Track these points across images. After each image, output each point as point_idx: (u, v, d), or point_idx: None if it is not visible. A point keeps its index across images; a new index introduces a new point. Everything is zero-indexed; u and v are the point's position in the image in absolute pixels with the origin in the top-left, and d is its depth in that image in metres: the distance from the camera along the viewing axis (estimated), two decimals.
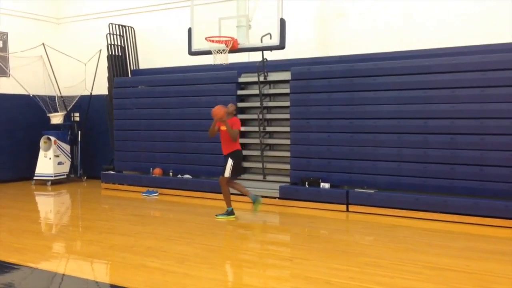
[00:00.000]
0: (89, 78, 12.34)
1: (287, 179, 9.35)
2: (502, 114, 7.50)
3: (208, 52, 8.40)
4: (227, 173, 7.84)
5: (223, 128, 7.76)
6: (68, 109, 12.58)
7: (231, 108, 7.96)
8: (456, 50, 8.22)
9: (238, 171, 8.08)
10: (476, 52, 7.95)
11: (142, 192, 10.46)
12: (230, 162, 7.81)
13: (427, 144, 8.03)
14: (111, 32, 11.59)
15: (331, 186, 8.81)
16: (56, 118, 12.30)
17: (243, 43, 8.32)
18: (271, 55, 9.13)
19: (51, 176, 11.79)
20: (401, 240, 6.60)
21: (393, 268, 5.27)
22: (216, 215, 7.93)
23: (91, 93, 12.41)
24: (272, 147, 9.89)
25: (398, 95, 8.30)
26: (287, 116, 9.35)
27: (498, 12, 8.16)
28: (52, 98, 12.52)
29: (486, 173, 7.58)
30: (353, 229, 7.65)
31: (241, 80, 10.00)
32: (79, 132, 12.69)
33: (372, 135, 8.50)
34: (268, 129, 9.73)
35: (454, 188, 7.83)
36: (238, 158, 7.98)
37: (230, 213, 7.98)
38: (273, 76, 9.64)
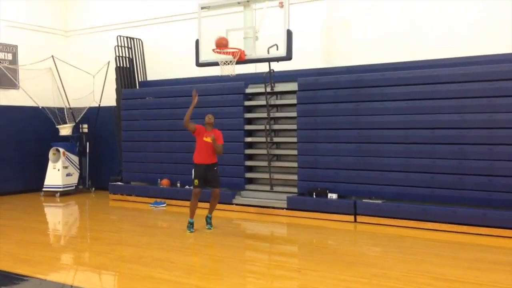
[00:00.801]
0: (98, 90, 12.45)
1: (295, 189, 9.34)
2: (510, 124, 7.46)
3: (215, 64, 8.44)
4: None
5: (207, 139, 7.61)
6: (76, 121, 12.69)
7: (212, 119, 7.83)
8: (464, 60, 8.22)
9: None
10: (484, 62, 7.94)
11: (150, 203, 10.48)
12: (217, 172, 7.83)
13: (435, 154, 8.00)
14: (119, 44, 11.70)
15: (338, 196, 8.79)
16: (65, 130, 12.39)
17: (250, 54, 8.35)
18: (277, 66, 9.16)
19: (60, 188, 11.86)
20: (410, 251, 6.56)
21: (402, 280, 5.24)
22: (208, 228, 7.95)
23: (99, 105, 12.51)
24: (279, 157, 9.89)
25: (405, 105, 8.29)
26: (294, 126, 9.36)
27: (504, 22, 8.15)
28: (61, 109, 12.63)
29: (495, 184, 7.53)
30: (361, 240, 7.62)
31: (248, 91, 10.04)
32: (88, 143, 12.77)
33: (379, 145, 8.48)
34: (275, 139, 9.74)
35: (462, 198, 7.78)
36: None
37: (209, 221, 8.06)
38: (280, 87, 9.67)
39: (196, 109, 10.45)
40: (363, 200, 8.51)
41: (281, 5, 8.14)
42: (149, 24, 12.17)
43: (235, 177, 9.87)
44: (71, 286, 5.39)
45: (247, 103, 10.05)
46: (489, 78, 7.65)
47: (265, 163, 9.66)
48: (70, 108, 12.72)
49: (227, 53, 8.26)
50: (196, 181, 7.74)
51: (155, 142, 11.12)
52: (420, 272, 5.51)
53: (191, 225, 7.77)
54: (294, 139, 9.38)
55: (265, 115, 9.64)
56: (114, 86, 11.88)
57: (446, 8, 8.68)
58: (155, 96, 11.29)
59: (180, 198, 10.39)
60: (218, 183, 7.87)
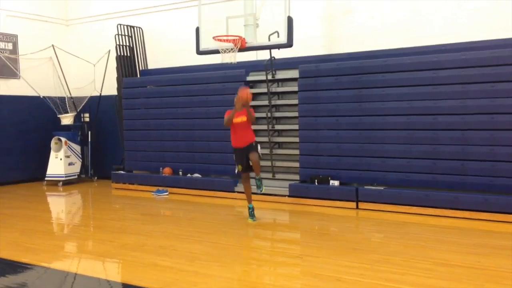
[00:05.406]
0: (99, 78, 12.43)
1: (297, 177, 9.36)
2: None
3: (216, 51, 8.42)
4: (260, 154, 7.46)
5: (237, 120, 7.30)
6: (78, 110, 12.69)
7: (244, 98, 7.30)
8: (465, 45, 8.17)
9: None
10: (485, 47, 7.89)
11: (152, 191, 10.51)
12: (258, 146, 7.45)
13: (437, 140, 8.00)
14: (120, 33, 11.65)
15: (340, 183, 8.80)
16: (67, 119, 12.40)
17: (250, 41, 8.33)
18: (279, 53, 9.13)
19: (62, 177, 11.90)
20: (412, 237, 6.59)
21: (404, 265, 5.27)
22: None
23: (100, 94, 12.50)
24: (281, 145, 9.89)
25: (407, 92, 8.26)
26: (296, 114, 9.35)
27: (506, 6, 8.09)
28: (62, 99, 12.63)
29: (497, 169, 7.53)
30: (363, 227, 7.64)
31: (249, 78, 10.01)
32: (89, 132, 12.79)
33: (381, 132, 8.47)
34: (277, 127, 9.74)
35: (464, 184, 7.79)
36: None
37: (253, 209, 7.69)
38: (281, 74, 9.64)
39: (198, 97, 10.56)
40: (365, 187, 8.53)
41: None
42: (149, 12, 12.11)
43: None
44: (75, 274, 5.43)
45: None
46: (491, 63, 7.61)
47: (267, 151, 9.65)
48: (71, 97, 12.71)
49: (227, 40, 8.24)
50: (239, 166, 7.53)
51: (156, 131, 11.13)
52: (422, 257, 5.53)
53: (251, 211, 7.60)
54: (296, 127, 9.37)
55: (266, 102, 9.63)
56: (115, 75, 11.86)
57: None
58: (156, 84, 11.27)
59: (182, 186, 10.43)
60: (255, 150, 7.37)
